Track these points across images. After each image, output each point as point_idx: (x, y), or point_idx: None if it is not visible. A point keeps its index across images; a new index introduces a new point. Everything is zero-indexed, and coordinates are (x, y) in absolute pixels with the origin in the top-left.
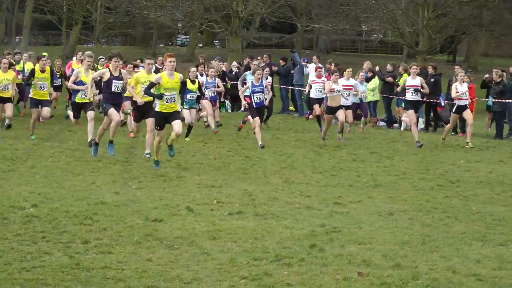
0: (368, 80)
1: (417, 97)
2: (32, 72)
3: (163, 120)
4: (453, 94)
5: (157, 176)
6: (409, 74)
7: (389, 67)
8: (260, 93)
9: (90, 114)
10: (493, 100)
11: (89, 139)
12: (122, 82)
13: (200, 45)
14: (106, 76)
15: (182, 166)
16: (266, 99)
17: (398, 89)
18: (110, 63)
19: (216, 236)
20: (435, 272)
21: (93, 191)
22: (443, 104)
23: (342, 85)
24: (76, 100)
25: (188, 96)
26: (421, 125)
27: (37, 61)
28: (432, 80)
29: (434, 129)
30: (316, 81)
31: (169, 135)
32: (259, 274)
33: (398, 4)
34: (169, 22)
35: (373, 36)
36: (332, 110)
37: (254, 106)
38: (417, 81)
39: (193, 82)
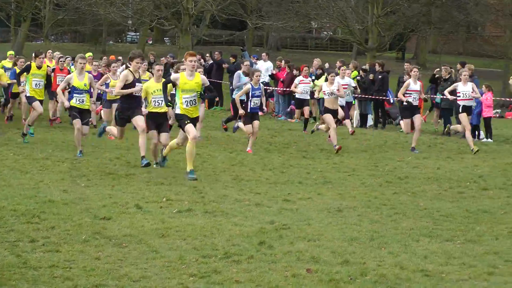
0: (318, 77)
1: (416, 102)
2: (28, 67)
3: (188, 118)
4: (448, 95)
5: (106, 174)
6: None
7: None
8: (258, 98)
9: (84, 129)
10: (441, 97)
11: (79, 149)
12: (141, 84)
13: (150, 42)
14: (130, 79)
15: (132, 164)
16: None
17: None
18: (130, 65)
19: (165, 233)
20: (383, 268)
21: (41, 189)
22: (392, 101)
23: (342, 84)
24: (71, 104)
25: None
26: (370, 122)
27: (34, 58)
28: (380, 77)
29: (383, 126)
30: (304, 81)
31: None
32: (208, 271)
33: (348, 1)
34: (119, 19)
35: (323, 33)
36: (330, 112)
37: (249, 111)
38: (418, 85)
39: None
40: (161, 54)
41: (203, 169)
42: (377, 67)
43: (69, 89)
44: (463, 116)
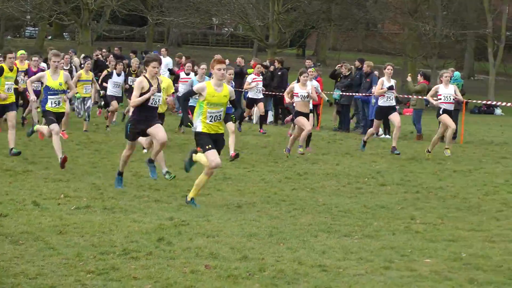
0: None
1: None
2: (1, 70)
3: (210, 138)
4: (429, 98)
5: (3, 170)
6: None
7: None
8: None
9: (55, 127)
10: (341, 93)
11: (59, 157)
12: (161, 94)
13: (49, 37)
14: (145, 87)
15: (29, 160)
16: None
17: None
18: (146, 69)
19: (63, 230)
20: (282, 263)
21: None
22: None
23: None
24: (47, 108)
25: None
26: (271, 118)
27: (3, 59)
28: (279, 73)
29: (283, 122)
30: (256, 79)
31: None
32: (106, 268)
33: None
34: (17, 14)
35: (224, 30)
36: (302, 115)
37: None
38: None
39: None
40: (61, 49)
41: (102, 165)
42: (277, 64)
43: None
44: (444, 117)
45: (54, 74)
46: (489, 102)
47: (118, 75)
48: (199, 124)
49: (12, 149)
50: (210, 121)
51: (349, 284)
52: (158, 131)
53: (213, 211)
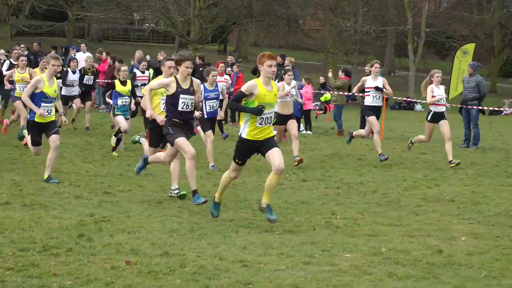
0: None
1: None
2: None
3: (250, 151)
4: (429, 100)
5: None
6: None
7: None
8: (214, 100)
9: (54, 138)
10: None
11: (46, 175)
12: (193, 97)
13: None
14: (172, 89)
15: None
16: (220, 108)
17: None
18: (179, 69)
19: None
20: (202, 259)
21: None
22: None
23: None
24: (36, 119)
25: (119, 102)
26: None
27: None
28: (201, 69)
29: None
30: (219, 80)
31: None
32: (26, 265)
33: None
34: None
35: (145, 25)
36: (283, 119)
37: (206, 117)
38: (378, 81)
39: (123, 83)
40: None
41: (22, 161)
42: (198, 60)
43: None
44: (372, 121)
45: (50, 80)
46: (409, 99)
47: (74, 73)
48: (245, 128)
49: None
50: (261, 123)
51: (270, 279)
52: (182, 144)
53: (134, 207)
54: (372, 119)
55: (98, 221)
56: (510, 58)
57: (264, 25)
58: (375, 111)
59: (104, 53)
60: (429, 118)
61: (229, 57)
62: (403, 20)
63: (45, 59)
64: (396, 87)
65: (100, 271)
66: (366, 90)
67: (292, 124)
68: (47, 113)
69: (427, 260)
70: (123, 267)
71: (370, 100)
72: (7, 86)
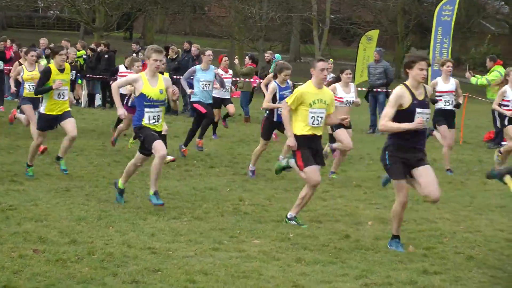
0: (47, 56)
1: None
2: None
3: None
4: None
5: None
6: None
7: (78, 46)
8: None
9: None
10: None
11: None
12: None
13: None
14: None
15: None
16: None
17: None
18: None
19: None
20: (111, 246)
21: None
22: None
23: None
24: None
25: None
26: (98, 101)
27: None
28: (106, 56)
29: (111, 106)
30: (225, 76)
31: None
32: None
33: None
34: None
35: (49, 13)
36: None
37: (277, 120)
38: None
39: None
40: None
41: None
42: (103, 47)
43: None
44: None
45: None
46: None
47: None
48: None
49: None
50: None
51: (178, 266)
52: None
53: (41, 195)
54: (443, 128)
55: (4, 209)
56: (414, 44)
57: (169, 12)
58: (447, 117)
59: (8, 40)
60: (506, 122)
61: (133, 44)
62: (308, 6)
63: None
64: (302, 74)
65: (7, 259)
66: (437, 94)
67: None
68: None
69: (334, 245)
70: (31, 256)
71: (441, 105)
72: (12, 89)
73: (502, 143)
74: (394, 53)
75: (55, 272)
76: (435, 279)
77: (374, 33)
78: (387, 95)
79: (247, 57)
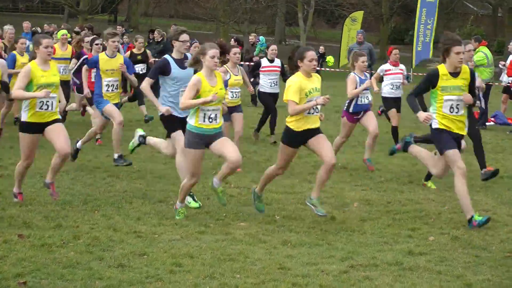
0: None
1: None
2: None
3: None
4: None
5: None
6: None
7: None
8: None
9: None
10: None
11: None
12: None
13: None
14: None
15: None
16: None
17: None
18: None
19: None
20: (96, 231)
21: None
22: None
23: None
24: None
25: None
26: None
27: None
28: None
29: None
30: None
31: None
32: None
33: None
34: None
35: None
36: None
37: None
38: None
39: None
40: None
41: None
42: (86, 31)
43: None
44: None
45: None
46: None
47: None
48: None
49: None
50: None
51: (164, 249)
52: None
53: (26, 180)
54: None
55: None
56: (398, 26)
57: None
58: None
59: None
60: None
61: (118, 27)
62: None
63: None
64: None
65: None
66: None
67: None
68: None
69: (320, 227)
70: (16, 241)
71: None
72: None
73: (487, 123)
74: (379, 34)
75: (40, 257)
76: (421, 259)
77: (359, 15)
78: (370, 76)
79: (232, 39)
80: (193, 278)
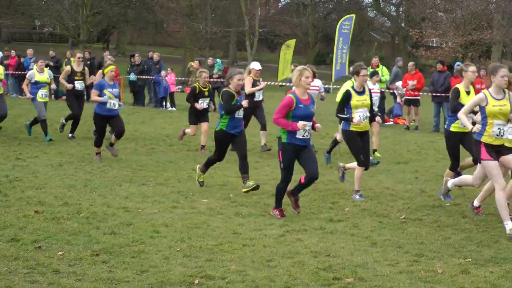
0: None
1: None
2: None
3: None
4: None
5: None
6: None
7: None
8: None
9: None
10: (137, 76)
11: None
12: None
13: None
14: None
15: None
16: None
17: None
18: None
19: None
20: (94, 207)
21: None
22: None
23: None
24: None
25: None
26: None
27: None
28: (89, 63)
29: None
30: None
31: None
32: None
33: (63, 4)
34: None
35: (45, 29)
36: None
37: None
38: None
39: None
40: None
41: None
42: (87, 55)
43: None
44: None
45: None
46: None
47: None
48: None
49: None
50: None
51: (146, 220)
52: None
53: (40, 169)
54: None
55: (12, 180)
56: (321, 50)
57: (137, 28)
58: None
59: (12, 51)
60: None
61: (105, 53)
62: (242, 23)
63: None
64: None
65: (14, 219)
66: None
67: None
68: None
69: (264, 202)
70: (32, 215)
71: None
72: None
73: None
74: (307, 57)
75: (51, 227)
76: (339, 225)
77: (292, 42)
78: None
79: (196, 61)
80: (168, 242)
